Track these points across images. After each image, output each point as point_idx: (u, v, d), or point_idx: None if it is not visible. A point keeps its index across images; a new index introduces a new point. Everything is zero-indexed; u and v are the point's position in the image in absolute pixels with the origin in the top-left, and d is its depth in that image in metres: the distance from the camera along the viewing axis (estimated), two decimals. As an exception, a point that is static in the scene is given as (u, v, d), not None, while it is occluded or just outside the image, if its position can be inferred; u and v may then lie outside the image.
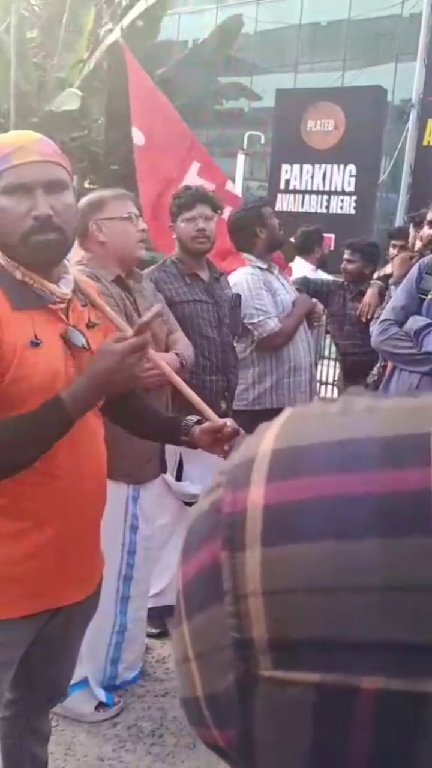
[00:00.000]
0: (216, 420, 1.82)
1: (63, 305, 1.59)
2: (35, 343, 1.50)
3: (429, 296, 2.82)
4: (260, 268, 3.46)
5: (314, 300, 3.82)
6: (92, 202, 2.46)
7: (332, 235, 6.64)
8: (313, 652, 0.30)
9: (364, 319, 4.00)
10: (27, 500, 1.54)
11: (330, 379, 5.69)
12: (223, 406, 3.09)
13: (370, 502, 0.30)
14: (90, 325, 1.66)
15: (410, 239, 3.93)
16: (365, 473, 0.30)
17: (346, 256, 4.41)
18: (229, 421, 1.81)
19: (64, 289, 1.59)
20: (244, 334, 3.42)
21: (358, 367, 4.14)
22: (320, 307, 3.94)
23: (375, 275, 4.33)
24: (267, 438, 0.34)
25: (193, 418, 1.84)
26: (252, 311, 3.35)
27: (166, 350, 2.64)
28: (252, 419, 2.49)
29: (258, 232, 3.48)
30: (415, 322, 2.83)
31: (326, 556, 0.30)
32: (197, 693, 0.35)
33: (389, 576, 0.29)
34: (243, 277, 3.43)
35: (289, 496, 0.31)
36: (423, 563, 0.28)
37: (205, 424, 1.80)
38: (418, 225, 3.68)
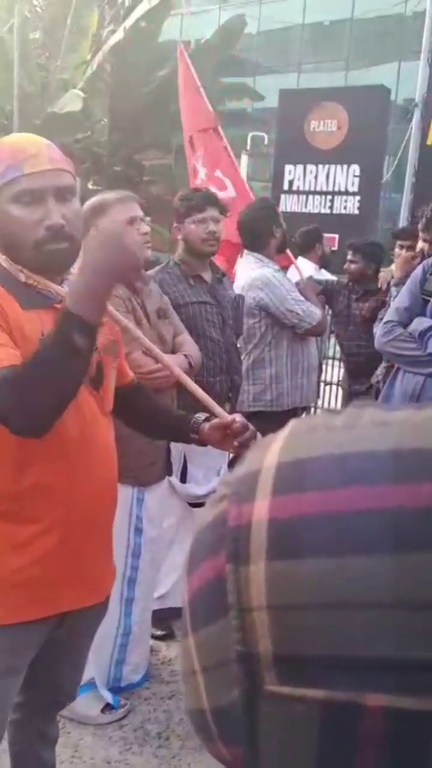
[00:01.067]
0: (224, 416, 1.82)
1: None
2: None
3: (433, 298, 2.82)
4: (275, 269, 3.49)
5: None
6: (94, 207, 2.46)
7: (336, 236, 6.63)
8: (320, 668, 0.29)
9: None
10: (34, 504, 1.54)
11: (334, 380, 5.69)
12: (227, 407, 3.10)
13: (382, 516, 0.29)
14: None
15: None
16: (376, 487, 0.30)
17: (348, 256, 4.42)
18: (238, 417, 1.81)
19: (65, 289, 1.60)
20: (265, 335, 3.44)
21: (362, 368, 4.13)
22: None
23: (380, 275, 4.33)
24: (272, 451, 0.34)
25: (202, 415, 1.85)
26: (293, 304, 3.39)
27: (173, 352, 2.64)
28: (271, 420, 2.50)
29: (274, 231, 3.51)
30: (420, 324, 2.83)
31: (333, 571, 0.29)
32: (203, 706, 0.35)
33: (401, 593, 0.28)
34: (270, 277, 3.43)
35: (295, 511, 0.31)
36: (428, 581, 0.28)
37: (214, 421, 1.80)
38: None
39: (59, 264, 1.57)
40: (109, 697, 2.64)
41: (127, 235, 2.43)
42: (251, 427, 1.76)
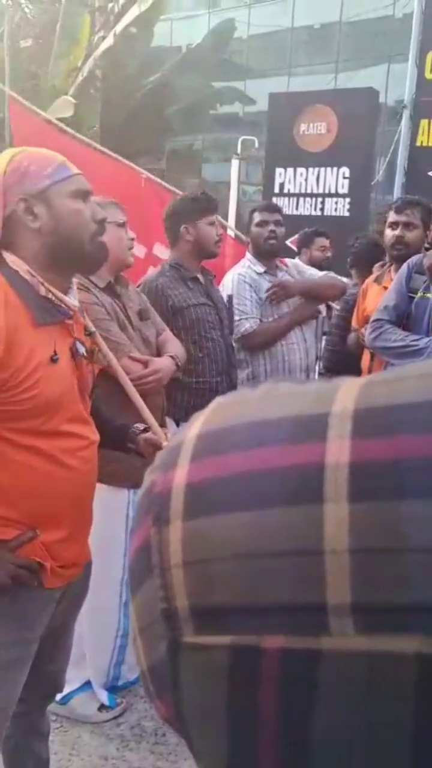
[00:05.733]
0: (159, 434, 1.88)
1: (72, 320, 1.66)
2: (55, 359, 1.55)
3: (418, 295, 2.86)
4: (256, 272, 3.50)
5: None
6: None
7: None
8: (227, 616, 0.32)
9: None
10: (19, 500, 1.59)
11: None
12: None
13: (276, 474, 0.32)
14: (87, 333, 1.74)
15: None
16: (272, 449, 0.33)
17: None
18: (170, 434, 1.87)
19: (74, 301, 1.66)
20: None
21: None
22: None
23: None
24: (195, 424, 0.37)
25: (140, 425, 1.90)
26: (233, 310, 3.41)
27: (158, 352, 2.66)
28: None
29: (246, 238, 3.62)
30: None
31: (237, 525, 0.32)
32: (143, 667, 0.38)
33: (289, 542, 0.31)
34: (231, 276, 3.51)
35: (208, 473, 0.34)
36: (313, 530, 0.31)
37: (148, 435, 1.87)
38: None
39: (106, 255, 1.72)
40: (104, 698, 2.67)
41: (121, 237, 2.49)
42: None
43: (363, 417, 0.32)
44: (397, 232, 3.28)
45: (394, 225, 3.30)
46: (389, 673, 0.30)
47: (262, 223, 3.51)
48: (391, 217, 3.32)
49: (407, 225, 3.26)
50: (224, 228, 4.26)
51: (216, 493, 0.33)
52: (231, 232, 4.86)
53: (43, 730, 1.98)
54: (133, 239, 2.58)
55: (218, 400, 0.38)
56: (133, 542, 0.38)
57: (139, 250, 3.88)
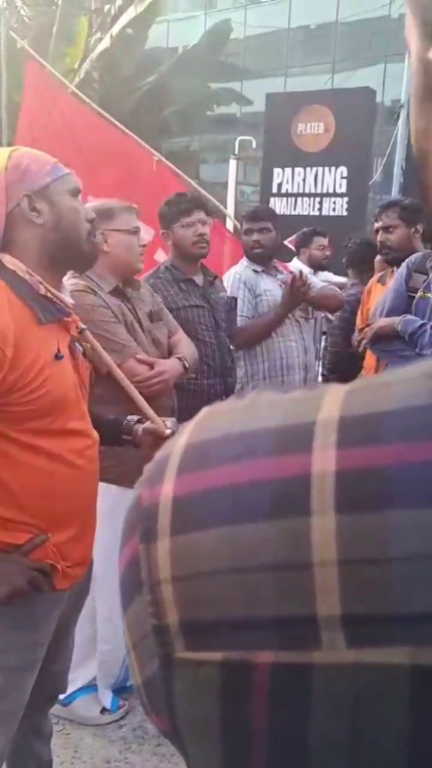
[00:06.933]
0: (160, 425, 1.85)
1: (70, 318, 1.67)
2: (59, 357, 1.56)
3: (418, 294, 2.85)
4: (254, 270, 3.51)
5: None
6: (101, 211, 2.42)
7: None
8: (217, 632, 0.32)
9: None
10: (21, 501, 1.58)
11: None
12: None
13: (262, 487, 0.32)
14: (78, 330, 1.75)
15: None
16: (258, 461, 0.33)
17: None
18: (170, 422, 1.85)
19: (69, 299, 1.68)
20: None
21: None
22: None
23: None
24: (183, 435, 0.36)
25: (134, 417, 1.88)
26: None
27: (169, 353, 2.64)
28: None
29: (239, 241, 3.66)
30: (407, 324, 2.84)
31: (224, 540, 0.32)
32: (138, 681, 0.37)
33: (277, 555, 0.31)
34: (227, 275, 3.55)
35: (194, 487, 0.34)
36: (301, 542, 0.30)
37: (147, 424, 1.85)
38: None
39: (97, 255, 1.74)
40: (107, 701, 2.67)
41: (132, 244, 2.47)
42: None
43: (349, 425, 0.32)
44: (379, 237, 3.40)
45: (376, 232, 3.43)
46: (382, 684, 0.30)
47: (247, 232, 3.57)
48: (375, 224, 3.45)
49: (386, 228, 3.36)
50: (221, 223, 4.23)
51: (203, 507, 0.33)
52: (230, 224, 4.85)
53: (45, 732, 1.98)
54: (144, 246, 2.55)
55: (206, 410, 0.38)
56: (122, 557, 0.37)
57: (148, 233, 3.86)
